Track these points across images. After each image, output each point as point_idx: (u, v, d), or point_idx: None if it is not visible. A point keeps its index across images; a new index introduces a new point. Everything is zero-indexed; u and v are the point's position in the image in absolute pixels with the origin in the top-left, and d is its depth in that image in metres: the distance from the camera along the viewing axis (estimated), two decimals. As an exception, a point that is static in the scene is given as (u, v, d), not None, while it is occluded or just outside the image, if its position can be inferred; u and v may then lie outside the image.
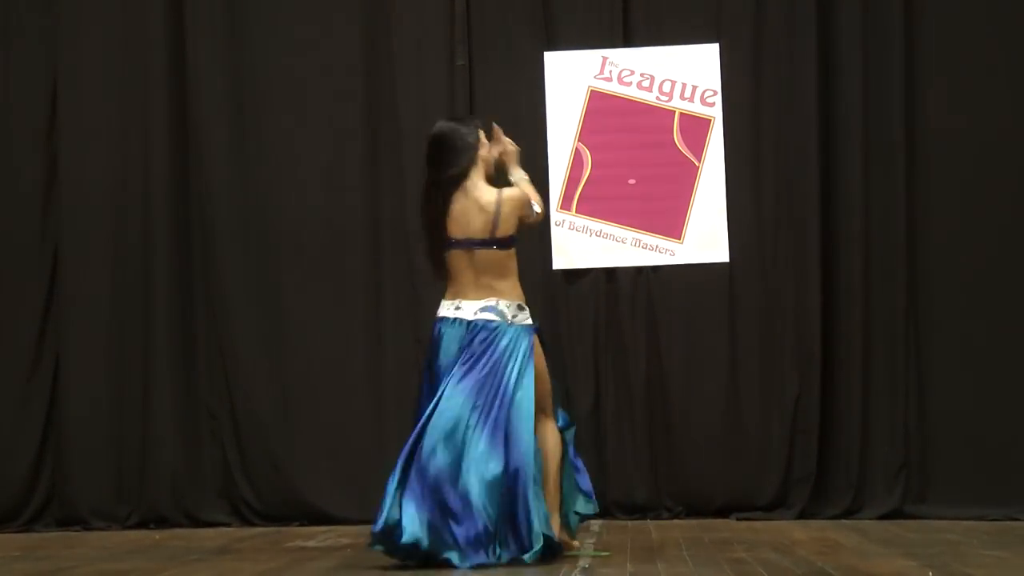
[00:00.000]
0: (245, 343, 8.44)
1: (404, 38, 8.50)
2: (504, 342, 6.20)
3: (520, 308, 6.31)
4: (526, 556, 6.01)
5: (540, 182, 8.24)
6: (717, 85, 8.29)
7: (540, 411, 6.23)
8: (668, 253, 8.25)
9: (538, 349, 6.30)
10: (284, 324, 8.46)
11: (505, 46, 8.47)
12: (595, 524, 7.85)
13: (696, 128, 8.29)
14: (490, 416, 6.10)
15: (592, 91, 8.34)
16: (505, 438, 6.09)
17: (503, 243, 6.27)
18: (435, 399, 6.15)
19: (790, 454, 8.18)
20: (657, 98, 8.31)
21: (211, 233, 8.49)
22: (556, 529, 6.19)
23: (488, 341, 6.20)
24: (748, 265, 8.28)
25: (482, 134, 6.38)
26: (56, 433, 8.50)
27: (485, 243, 6.26)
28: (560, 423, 6.40)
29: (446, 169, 6.28)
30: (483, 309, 6.25)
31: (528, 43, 8.42)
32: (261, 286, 8.48)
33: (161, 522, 8.34)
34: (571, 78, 8.34)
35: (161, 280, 8.47)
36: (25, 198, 8.58)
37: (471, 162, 6.30)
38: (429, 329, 8.25)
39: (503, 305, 6.26)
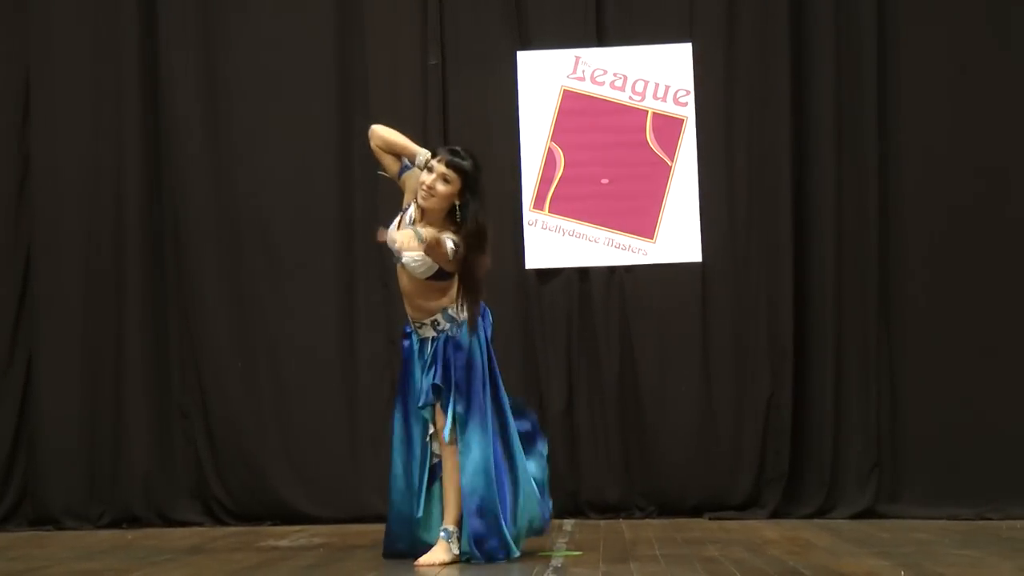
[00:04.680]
0: (218, 343, 8.41)
1: (377, 37, 8.49)
2: None
3: None
4: None
5: (513, 182, 8.29)
6: (690, 85, 8.30)
7: None
8: (641, 253, 8.26)
9: None
10: (257, 323, 8.43)
11: (478, 45, 8.46)
12: (568, 523, 7.86)
13: (669, 128, 8.30)
14: None
15: (565, 90, 8.34)
16: None
17: None
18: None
19: (763, 454, 8.19)
20: (630, 98, 8.31)
21: (184, 233, 8.46)
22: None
23: None
24: (721, 264, 8.29)
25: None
26: (28, 433, 8.45)
27: None
28: None
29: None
30: None
31: (501, 42, 8.42)
32: (234, 286, 8.45)
33: (133, 522, 8.31)
34: (544, 77, 8.34)
35: (134, 280, 8.44)
36: (-3, 199, 8.56)
37: None
38: (401, 328, 8.30)
39: None
